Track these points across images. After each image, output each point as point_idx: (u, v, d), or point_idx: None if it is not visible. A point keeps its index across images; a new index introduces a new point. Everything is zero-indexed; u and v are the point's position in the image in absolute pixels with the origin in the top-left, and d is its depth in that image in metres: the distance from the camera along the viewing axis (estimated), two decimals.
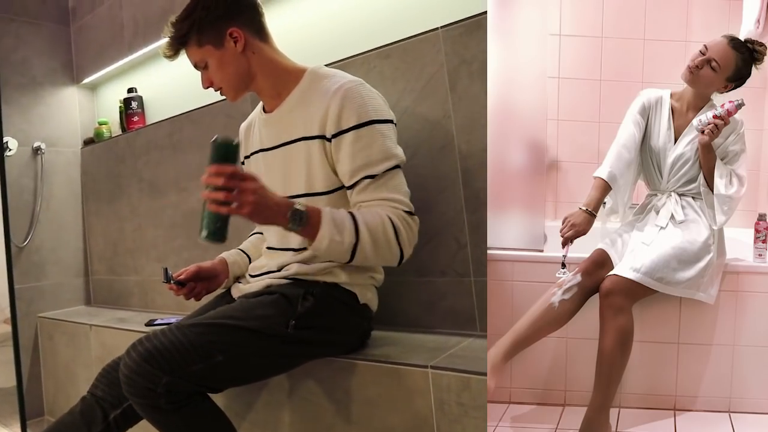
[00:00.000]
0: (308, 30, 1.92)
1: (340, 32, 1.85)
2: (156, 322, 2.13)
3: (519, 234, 1.84)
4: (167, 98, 2.53)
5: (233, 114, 2.07)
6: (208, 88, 1.46)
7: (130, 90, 2.62)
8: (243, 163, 1.60)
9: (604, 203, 1.75)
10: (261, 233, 1.67)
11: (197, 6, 1.40)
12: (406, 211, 1.33)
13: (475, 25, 1.49)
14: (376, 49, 1.69)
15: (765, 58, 1.71)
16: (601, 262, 1.69)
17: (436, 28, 1.56)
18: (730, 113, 1.64)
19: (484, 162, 1.50)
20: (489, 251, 1.57)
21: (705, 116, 1.66)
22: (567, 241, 1.69)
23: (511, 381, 1.81)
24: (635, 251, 1.67)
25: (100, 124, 2.80)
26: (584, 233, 1.69)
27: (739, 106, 1.64)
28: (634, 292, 1.62)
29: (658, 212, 1.74)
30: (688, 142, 1.73)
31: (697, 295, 1.67)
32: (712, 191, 1.68)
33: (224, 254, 1.62)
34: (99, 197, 2.83)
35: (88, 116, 2.94)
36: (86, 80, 2.86)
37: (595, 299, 1.65)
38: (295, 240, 1.43)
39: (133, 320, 2.32)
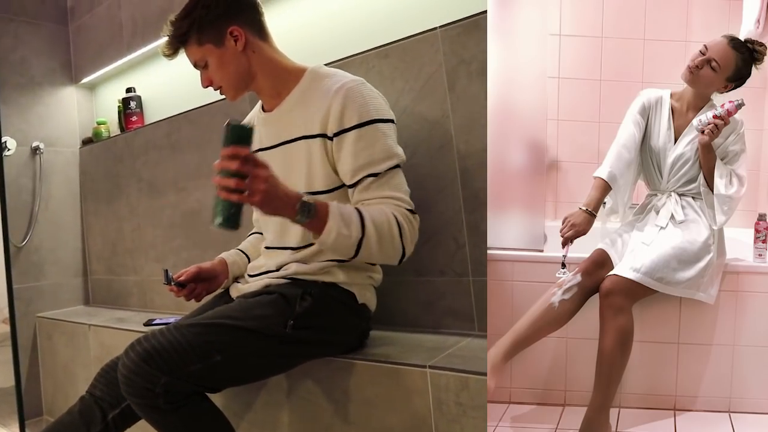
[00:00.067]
0: (308, 30, 1.92)
1: (339, 32, 1.85)
2: (155, 322, 2.12)
3: (519, 234, 1.84)
4: (166, 98, 2.53)
5: (232, 114, 2.06)
6: (207, 87, 1.46)
7: (128, 90, 2.62)
8: None
9: (604, 203, 1.75)
10: (260, 233, 1.67)
11: (197, 5, 1.40)
12: (408, 209, 1.33)
13: (473, 25, 1.49)
14: (375, 48, 1.68)
15: (765, 58, 1.71)
16: (601, 262, 1.69)
17: (435, 28, 1.56)
18: (730, 113, 1.63)
19: (483, 162, 1.50)
20: (489, 251, 1.57)
21: (705, 116, 1.65)
22: (567, 241, 1.69)
23: (511, 381, 1.81)
24: (635, 251, 1.67)
25: (99, 123, 2.80)
26: (584, 233, 1.68)
27: (739, 106, 1.63)
28: (634, 292, 1.62)
29: (658, 212, 1.74)
30: (688, 142, 1.73)
31: (697, 295, 1.67)
32: (712, 191, 1.68)
33: (223, 254, 1.62)
34: (98, 197, 2.83)
35: (86, 116, 2.94)
36: (85, 80, 2.86)
37: (595, 299, 1.65)
38: (293, 238, 1.43)
39: (132, 320, 2.32)
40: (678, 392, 1.77)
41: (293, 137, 1.42)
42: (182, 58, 1.47)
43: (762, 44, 1.71)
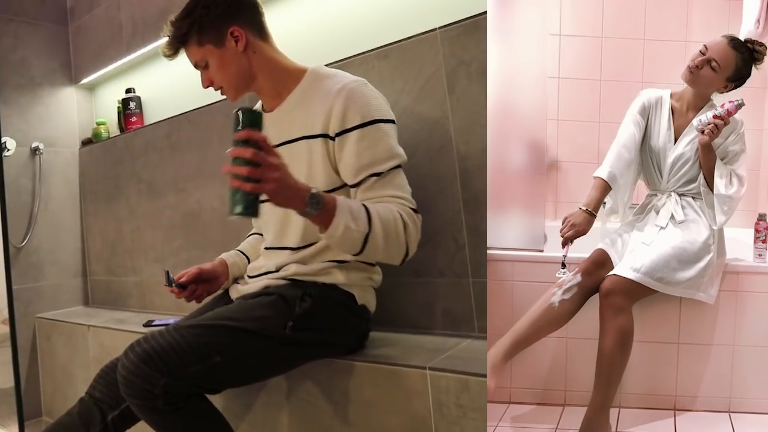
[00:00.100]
0: (308, 30, 1.92)
1: (339, 33, 1.85)
2: (154, 323, 2.12)
3: (519, 234, 1.84)
4: (165, 99, 2.53)
5: (231, 114, 2.06)
6: (208, 87, 1.46)
7: (128, 90, 2.62)
8: None
9: (604, 203, 1.75)
10: (259, 234, 1.66)
11: (197, 5, 1.40)
12: (411, 209, 1.33)
13: (473, 26, 1.49)
14: (375, 49, 1.68)
15: (765, 58, 1.71)
16: (601, 262, 1.69)
17: (434, 29, 1.55)
18: (730, 113, 1.63)
19: (483, 163, 1.49)
20: (489, 251, 1.57)
21: (705, 116, 1.65)
22: (567, 241, 1.69)
23: (511, 381, 1.81)
24: (635, 251, 1.67)
25: (99, 124, 2.80)
26: (584, 233, 1.69)
27: (739, 106, 1.63)
28: (634, 292, 1.62)
29: (658, 212, 1.74)
30: (688, 142, 1.73)
31: (697, 295, 1.67)
32: (712, 191, 1.68)
33: (223, 255, 1.62)
34: (97, 198, 2.83)
35: (86, 116, 2.94)
36: (84, 80, 2.86)
37: (595, 299, 1.65)
38: (292, 239, 1.42)
39: (132, 321, 2.32)
40: (678, 392, 1.77)
41: (294, 137, 1.41)
42: (182, 59, 1.47)
43: (762, 44, 1.71)
